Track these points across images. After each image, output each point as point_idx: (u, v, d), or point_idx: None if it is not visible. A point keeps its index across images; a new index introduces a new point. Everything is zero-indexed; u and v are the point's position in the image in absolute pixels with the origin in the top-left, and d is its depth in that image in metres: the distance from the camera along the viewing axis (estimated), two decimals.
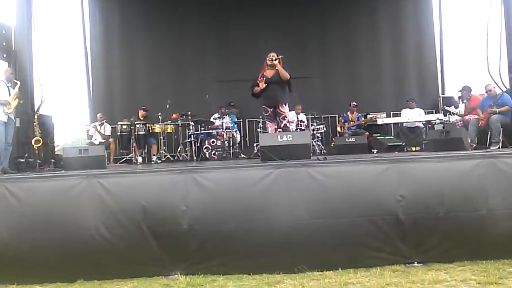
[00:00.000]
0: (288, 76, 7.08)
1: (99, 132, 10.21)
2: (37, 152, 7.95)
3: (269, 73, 7.19)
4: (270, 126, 7.41)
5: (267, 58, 7.17)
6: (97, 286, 4.59)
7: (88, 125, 10.76)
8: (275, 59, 7.06)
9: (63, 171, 6.04)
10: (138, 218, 4.73)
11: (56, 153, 9.29)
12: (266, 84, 7.08)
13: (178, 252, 4.73)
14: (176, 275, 4.65)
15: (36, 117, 8.35)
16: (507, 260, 4.55)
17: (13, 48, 8.53)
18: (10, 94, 6.97)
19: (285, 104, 7.23)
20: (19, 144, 7.89)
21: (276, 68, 7.07)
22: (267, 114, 7.36)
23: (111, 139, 10.23)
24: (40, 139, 8.02)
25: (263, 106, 7.33)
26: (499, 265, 4.45)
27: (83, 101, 12.27)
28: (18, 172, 6.92)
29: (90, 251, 4.69)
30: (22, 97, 7.53)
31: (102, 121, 10.32)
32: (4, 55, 8.32)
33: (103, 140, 10.12)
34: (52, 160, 8.26)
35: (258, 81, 7.15)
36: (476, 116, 8.35)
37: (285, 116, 7.22)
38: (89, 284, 4.64)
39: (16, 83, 7.15)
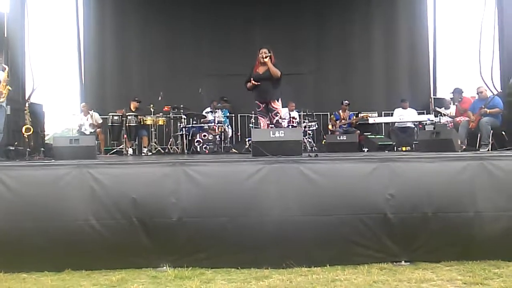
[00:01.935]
0: (279, 74, 7.05)
1: (94, 124, 10.15)
2: (27, 140, 7.92)
3: (261, 69, 7.19)
4: (262, 122, 7.43)
5: (259, 54, 7.15)
6: (85, 276, 4.57)
7: (77, 115, 10.65)
8: (266, 57, 7.05)
9: (53, 160, 6.01)
10: (128, 209, 4.71)
11: (46, 142, 9.24)
12: (257, 81, 7.09)
13: (167, 245, 4.73)
14: (165, 267, 4.65)
15: (27, 105, 8.31)
16: (493, 261, 4.60)
17: (5, 35, 8.45)
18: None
19: (278, 100, 7.24)
20: (9, 131, 7.84)
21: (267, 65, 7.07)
22: (259, 110, 7.38)
23: (98, 130, 10.17)
24: (31, 127, 7.99)
25: (256, 102, 7.35)
26: (484, 266, 4.50)
27: (74, 91, 12.21)
28: (7, 160, 6.88)
29: (78, 241, 4.67)
30: (13, 85, 7.47)
31: (89, 112, 10.24)
32: None
33: (93, 130, 10.08)
34: (42, 149, 8.22)
35: (250, 80, 7.15)
36: (467, 118, 8.42)
37: (278, 112, 7.23)
38: (77, 273, 4.62)
39: (5, 68, 7.08)
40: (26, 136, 7.88)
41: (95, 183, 4.80)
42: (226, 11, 11.78)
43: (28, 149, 7.72)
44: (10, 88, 7.09)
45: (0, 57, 7.14)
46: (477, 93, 8.57)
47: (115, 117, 9.70)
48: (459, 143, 7.03)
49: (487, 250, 4.67)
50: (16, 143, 7.88)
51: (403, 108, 10.61)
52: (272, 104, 7.18)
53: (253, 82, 7.09)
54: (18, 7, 8.56)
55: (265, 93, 7.17)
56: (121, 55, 11.92)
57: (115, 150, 9.96)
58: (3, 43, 8.35)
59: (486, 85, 8.80)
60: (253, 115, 9.93)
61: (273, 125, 7.21)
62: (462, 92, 9.04)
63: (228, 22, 11.77)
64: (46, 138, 9.61)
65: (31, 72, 8.76)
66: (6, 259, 4.68)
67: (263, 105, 7.28)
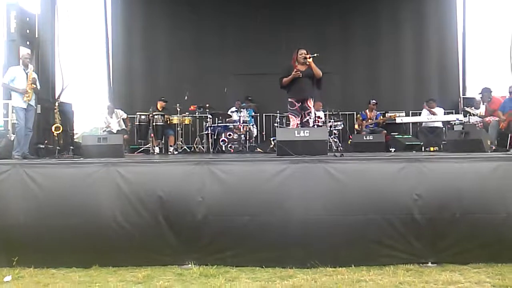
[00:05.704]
0: (321, 74, 7.03)
1: (121, 120, 10.31)
2: (56, 139, 8.06)
3: (301, 67, 7.10)
4: (293, 120, 7.26)
5: (298, 55, 7.07)
6: (112, 272, 4.65)
7: (104, 114, 10.80)
8: (309, 57, 6.99)
9: (81, 159, 6.12)
10: (154, 207, 4.79)
11: (75, 140, 9.40)
12: (300, 75, 7.00)
13: (192, 243, 4.78)
14: (190, 265, 4.70)
15: (56, 104, 8.46)
16: None
17: (36, 36, 8.63)
18: (27, 80, 7.04)
19: (312, 99, 7.18)
20: (39, 130, 7.99)
21: (309, 65, 7.01)
22: (293, 108, 7.15)
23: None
24: (60, 126, 8.13)
25: (290, 100, 7.18)
26: None
27: (103, 90, 12.40)
28: (37, 158, 7.02)
29: (106, 238, 4.77)
30: (43, 84, 7.62)
31: (114, 111, 10.39)
32: (28, 43, 8.41)
33: (120, 128, 10.22)
34: (71, 147, 8.36)
35: (293, 72, 7.03)
36: (497, 118, 8.24)
37: (310, 112, 7.13)
38: (104, 270, 4.71)
39: (32, 67, 7.22)
40: (56, 134, 8.02)
41: (122, 181, 4.89)
42: (252, 11, 11.76)
43: (57, 148, 7.87)
44: (34, 85, 7.16)
45: (26, 57, 7.26)
46: (509, 92, 8.38)
47: (142, 117, 9.83)
48: (489, 143, 6.87)
49: None
50: (46, 141, 8.03)
51: (430, 108, 10.41)
52: (308, 102, 7.08)
53: (297, 73, 6.97)
54: (49, 8, 8.70)
55: (304, 90, 7.04)
56: (148, 55, 12.03)
57: (142, 149, 10.07)
58: (34, 44, 8.53)
59: None
60: (279, 114, 9.90)
61: (302, 124, 7.12)
62: (491, 91, 8.83)
63: (254, 22, 11.75)
64: (75, 137, 9.76)
65: (61, 71, 8.90)
66: (36, 255, 4.80)
67: (298, 104, 7.16)
